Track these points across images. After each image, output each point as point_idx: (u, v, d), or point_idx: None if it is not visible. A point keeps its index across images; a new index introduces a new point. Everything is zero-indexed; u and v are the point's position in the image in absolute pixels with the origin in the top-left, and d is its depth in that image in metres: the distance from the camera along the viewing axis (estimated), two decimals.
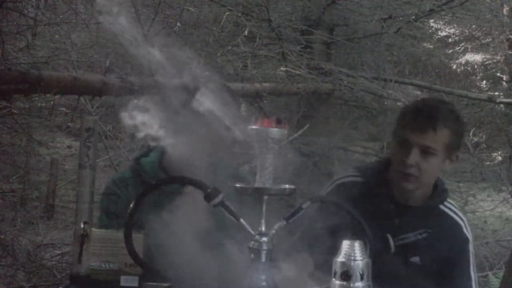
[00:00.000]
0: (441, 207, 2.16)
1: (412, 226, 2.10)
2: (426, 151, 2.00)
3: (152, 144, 1.77)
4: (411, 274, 2.05)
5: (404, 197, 2.10)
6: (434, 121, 1.99)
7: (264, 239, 1.51)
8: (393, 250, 2.07)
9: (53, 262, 4.45)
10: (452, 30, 9.09)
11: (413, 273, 2.06)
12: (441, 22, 8.25)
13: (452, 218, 2.15)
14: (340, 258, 1.39)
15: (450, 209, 2.17)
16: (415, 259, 2.09)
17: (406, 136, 2.03)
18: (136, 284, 1.67)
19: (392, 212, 2.09)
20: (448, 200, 2.19)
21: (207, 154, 2.03)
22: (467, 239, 2.15)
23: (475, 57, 10.72)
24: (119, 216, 2.02)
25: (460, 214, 2.18)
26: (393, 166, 2.09)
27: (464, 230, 2.15)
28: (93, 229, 1.61)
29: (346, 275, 1.37)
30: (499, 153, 8.40)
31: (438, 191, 2.14)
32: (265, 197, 1.52)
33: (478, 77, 11.12)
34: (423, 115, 2.02)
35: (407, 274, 2.04)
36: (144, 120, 1.66)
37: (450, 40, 9.77)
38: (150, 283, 1.69)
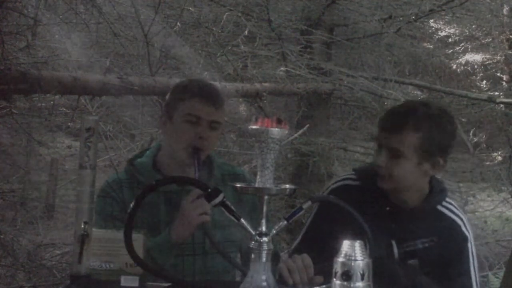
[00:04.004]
0: (439, 207, 2.10)
1: (412, 231, 2.05)
2: (394, 153, 1.96)
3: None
4: (408, 276, 2.00)
5: (398, 199, 2.05)
6: (402, 123, 1.94)
7: (264, 239, 1.51)
8: (397, 257, 2.03)
9: (53, 262, 4.44)
10: (452, 30, 9.08)
11: (411, 274, 2.01)
12: (441, 22, 8.24)
13: (450, 218, 2.09)
14: (341, 258, 1.39)
15: (448, 209, 2.11)
16: (414, 261, 2.04)
17: (378, 136, 2.01)
18: (136, 284, 1.67)
19: (387, 214, 2.04)
20: (447, 200, 2.13)
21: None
22: (466, 238, 2.09)
23: (475, 57, 10.70)
24: (115, 218, 2.01)
25: (459, 213, 2.12)
26: None
27: (463, 228, 2.09)
28: (93, 229, 1.61)
29: (347, 275, 1.37)
30: (499, 153, 8.41)
31: (434, 192, 2.08)
32: (266, 197, 1.52)
33: (478, 77, 11.11)
34: (393, 117, 2.00)
35: (405, 276, 1.99)
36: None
37: (450, 40, 9.75)
38: (150, 283, 1.69)
